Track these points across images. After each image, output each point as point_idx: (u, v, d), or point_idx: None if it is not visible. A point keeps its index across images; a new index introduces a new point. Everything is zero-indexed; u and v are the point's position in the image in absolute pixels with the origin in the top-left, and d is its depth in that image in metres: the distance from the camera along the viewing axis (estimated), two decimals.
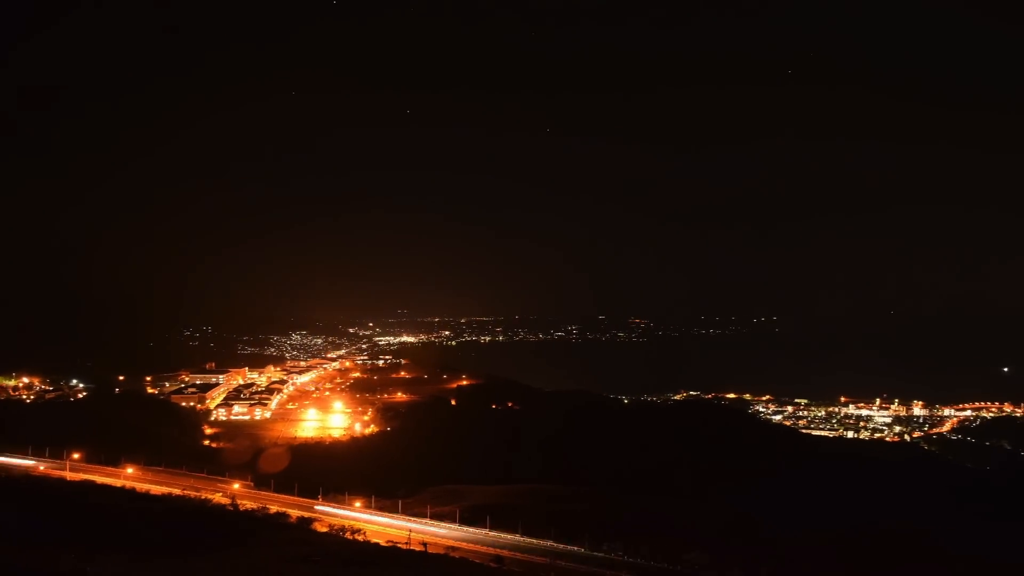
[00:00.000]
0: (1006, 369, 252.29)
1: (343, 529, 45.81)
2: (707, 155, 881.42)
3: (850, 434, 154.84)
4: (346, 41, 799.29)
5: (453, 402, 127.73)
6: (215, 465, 66.44)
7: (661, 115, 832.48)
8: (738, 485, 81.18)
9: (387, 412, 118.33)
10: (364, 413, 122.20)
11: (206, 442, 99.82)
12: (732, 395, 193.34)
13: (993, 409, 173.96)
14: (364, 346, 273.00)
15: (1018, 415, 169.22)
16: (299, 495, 54.63)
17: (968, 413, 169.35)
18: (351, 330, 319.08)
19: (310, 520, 47.95)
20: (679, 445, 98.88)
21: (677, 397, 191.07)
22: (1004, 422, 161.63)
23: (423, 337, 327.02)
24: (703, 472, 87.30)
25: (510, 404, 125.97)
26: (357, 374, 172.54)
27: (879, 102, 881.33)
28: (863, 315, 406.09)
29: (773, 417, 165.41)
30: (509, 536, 47.59)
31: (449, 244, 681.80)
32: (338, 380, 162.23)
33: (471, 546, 45.29)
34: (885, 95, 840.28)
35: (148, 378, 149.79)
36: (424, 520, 50.54)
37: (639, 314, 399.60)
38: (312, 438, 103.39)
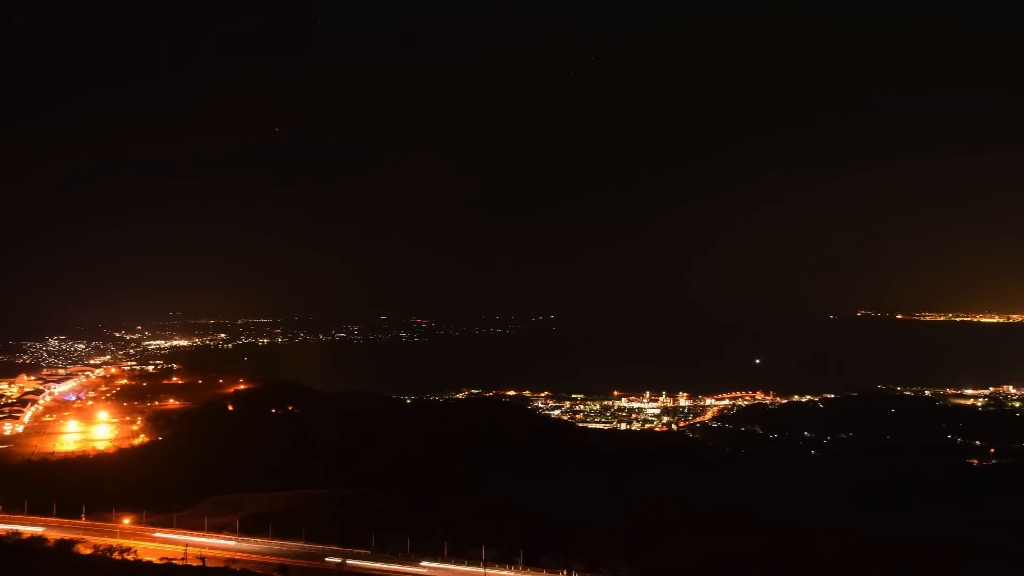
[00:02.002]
0: (758, 361, 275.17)
1: (110, 549, 42.83)
2: (476, 153, 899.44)
3: (623, 426, 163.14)
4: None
5: (230, 407, 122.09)
6: None
7: (440, 116, 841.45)
8: (519, 478, 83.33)
9: (159, 421, 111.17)
10: (133, 423, 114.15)
11: None
12: (512, 392, 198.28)
13: (747, 398, 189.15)
14: (132, 351, 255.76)
15: (768, 402, 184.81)
16: (59, 515, 50.48)
17: (726, 402, 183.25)
18: (118, 334, 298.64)
19: (72, 543, 44.42)
20: (461, 443, 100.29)
21: (459, 396, 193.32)
22: (756, 409, 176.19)
23: (197, 340, 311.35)
24: (484, 468, 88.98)
25: (291, 408, 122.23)
26: (125, 381, 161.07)
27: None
28: (635, 313, 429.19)
29: (552, 412, 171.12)
30: (293, 544, 46.33)
31: (225, 247, 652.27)
32: (103, 388, 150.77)
33: (253, 556, 43.73)
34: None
35: None
36: (202, 533, 48.21)
37: (421, 314, 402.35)
38: (74, 452, 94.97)
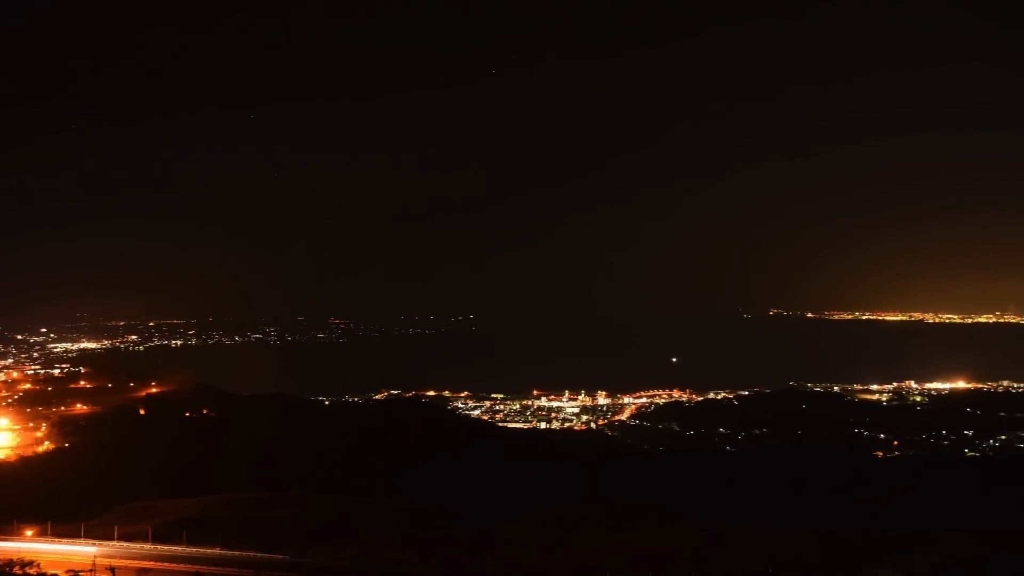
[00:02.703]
0: (675, 360, 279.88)
1: (10, 563, 40.95)
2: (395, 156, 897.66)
3: (543, 425, 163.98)
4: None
5: (142, 412, 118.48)
6: None
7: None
8: (438, 479, 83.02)
9: (65, 426, 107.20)
10: (37, 429, 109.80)
11: None
12: (432, 393, 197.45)
13: (664, 395, 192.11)
14: (36, 354, 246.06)
15: (684, 400, 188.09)
16: None
17: (644, 400, 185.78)
18: (19, 336, 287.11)
19: None
20: (380, 444, 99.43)
21: (379, 397, 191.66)
22: (673, 407, 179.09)
23: (107, 343, 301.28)
24: (404, 469, 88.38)
25: (206, 411, 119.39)
26: (28, 385, 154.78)
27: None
28: (554, 313, 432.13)
29: (472, 412, 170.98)
30: (209, 551, 45.01)
31: (135, 245, 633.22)
32: (4, 393, 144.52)
33: (166, 565, 42.34)
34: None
35: None
36: (112, 543, 46.50)
37: (339, 314, 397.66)
38: None
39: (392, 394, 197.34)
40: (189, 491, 65.93)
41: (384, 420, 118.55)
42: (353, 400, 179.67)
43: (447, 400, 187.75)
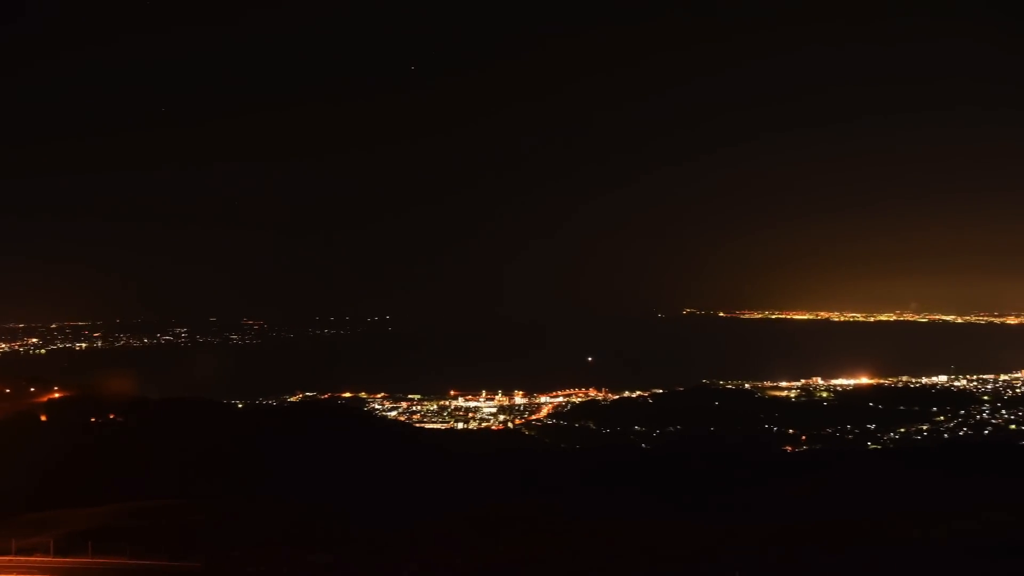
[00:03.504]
0: (590, 359, 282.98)
1: None
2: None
3: (460, 425, 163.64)
4: None
5: (43, 418, 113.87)
6: None
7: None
8: (351, 482, 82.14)
9: None
10: None
11: None
12: (348, 394, 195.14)
13: (581, 395, 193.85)
14: None
15: (600, 399, 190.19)
16: None
17: (561, 399, 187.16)
18: None
19: None
20: (293, 447, 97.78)
21: (293, 399, 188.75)
22: (589, 405, 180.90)
23: (5, 346, 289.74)
24: (317, 473, 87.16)
25: (113, 416, 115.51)
26: None
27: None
28: (469, 314, 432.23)
29: (389, 413, 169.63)
30: (116, 561, 43.49)
31: (43, 243, 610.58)
32: None
33: None
34: None
35: None
36: (8, 557, 44.46)
37: (253, 315, 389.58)
38: None
39: (307, 396, 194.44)
40: (95, 500, 63.62)
41: (299, 422, 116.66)
42: (267, 402, 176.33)
43: (364, 402, 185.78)
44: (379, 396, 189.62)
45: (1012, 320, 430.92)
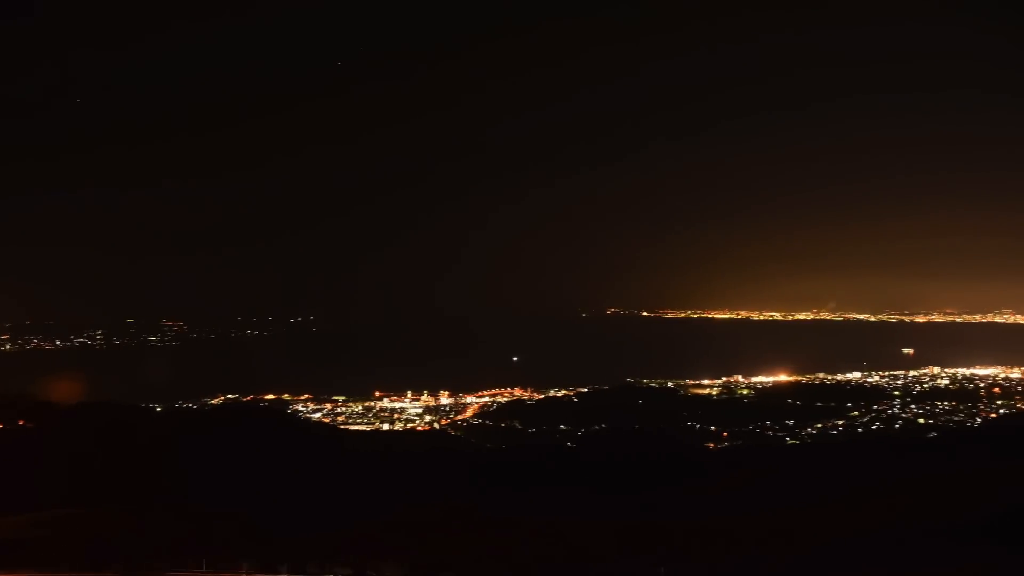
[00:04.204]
0: (516, 359, 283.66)
1: None
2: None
3: (386, 426, 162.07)
4: None
5: None
6: None
7: None
8: (277, 485, 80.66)
9: None
10: None
11: None
12: (271, 396, 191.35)
13: (506, 394, 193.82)
14: None
15: (526, 398, 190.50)
16: None
17: (487, 399, 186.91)
18: None
19: None
20: (214, 451, 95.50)
21: (215, 402, 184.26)
22: (515, 405, 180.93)
23: None
24: (240, 477, 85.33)
25: (22, 423, 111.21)
26: None
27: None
28: (396, 314, 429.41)
29: (313, 415, 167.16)
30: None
31: None
32: None
33: None
34: None
35: None
36: None
37: (172, 316, 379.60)
38: None
39: (229, 398, 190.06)
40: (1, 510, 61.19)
41: (219, 426, 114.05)
42: (187, 406, 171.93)
43: (287, 404, 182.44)
44: (303, 398, 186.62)
45: (920, 319, 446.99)
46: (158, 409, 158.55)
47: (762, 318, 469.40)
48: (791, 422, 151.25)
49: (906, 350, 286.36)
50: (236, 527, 57.19)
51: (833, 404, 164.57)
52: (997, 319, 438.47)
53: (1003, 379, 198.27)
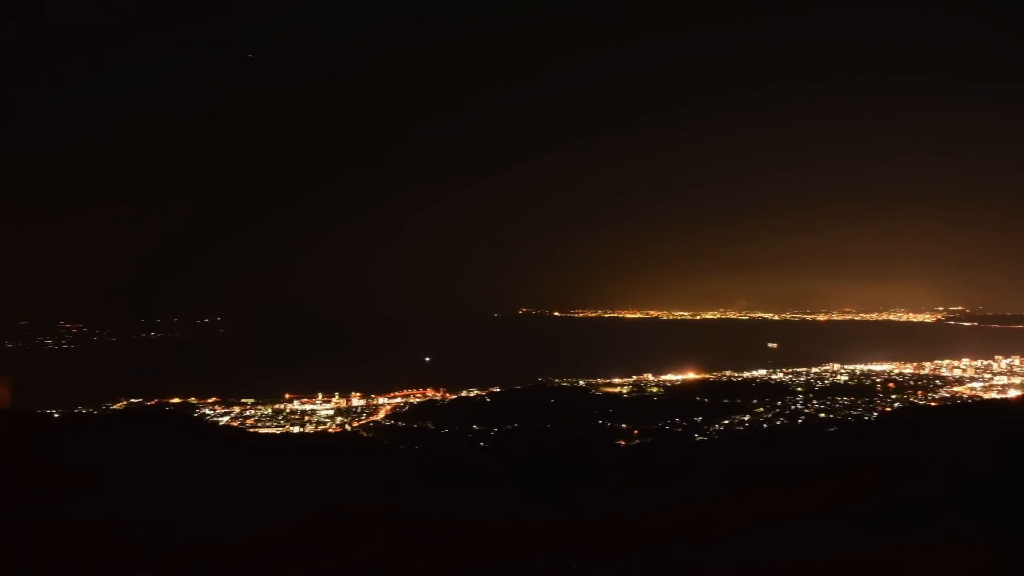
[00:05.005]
0: (428, 359, 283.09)
1: None
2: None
3: (296, 429, 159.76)
4: None
5: None
6: None
7: None
8: (186, 494, 78.30)
9: None
10: None
11: None
12: (177, 400, 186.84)
13: (419, 395, 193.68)
14: None
15: (439, 399, 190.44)
16: None
17: (399, 400, 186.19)
18: None
19: None
20: (117, 459, 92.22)
21: (117, 406, 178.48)
22: (428, 405, 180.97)
23: None
24: (144, 483, 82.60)
25: None
26: None
27: None
28: (309, 315, 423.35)
29: (221, 419, 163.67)
30: None
31: None
32: None
33: None
34: None
35: None
36: None
37: (69, 318, 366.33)
38: None
39: (132, 403, 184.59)
40: None
41: (121, 431, 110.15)
42: (87, 411, 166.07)
43: (193, 407, 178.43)
44: (210, 401, 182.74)
45: (822, 317, 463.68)
46: (55, 415, 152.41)
47: (671, 317, 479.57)
48: (699, 419, 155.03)
49: (771, 344, 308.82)
50: (129, 537, 55.34)
51: (740, 400, 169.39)
52: (891, 317, 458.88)
53: (897, 374, 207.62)
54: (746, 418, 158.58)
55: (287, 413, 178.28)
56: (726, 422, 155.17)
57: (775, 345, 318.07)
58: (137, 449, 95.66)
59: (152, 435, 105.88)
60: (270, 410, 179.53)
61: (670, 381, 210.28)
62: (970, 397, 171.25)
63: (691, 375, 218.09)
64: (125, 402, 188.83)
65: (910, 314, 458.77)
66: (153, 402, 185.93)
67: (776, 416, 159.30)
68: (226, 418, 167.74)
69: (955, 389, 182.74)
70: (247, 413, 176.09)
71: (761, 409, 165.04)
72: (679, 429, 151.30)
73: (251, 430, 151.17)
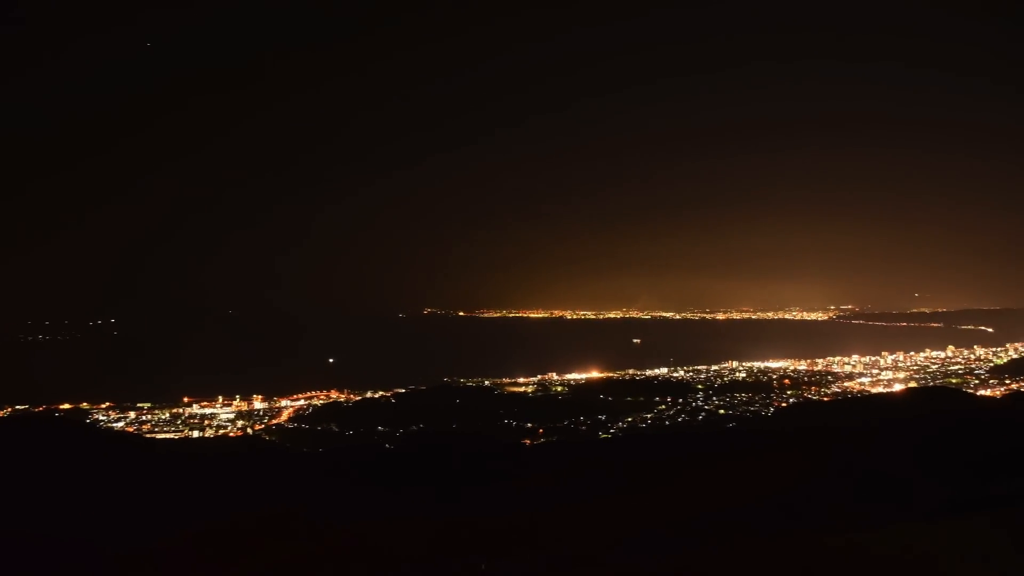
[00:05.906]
0: (331, 361, 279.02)
1: None
2: None
3: (196, 433, 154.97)
4: None
5: None
6: None
7: None
8: (69, 503, 75.49)
9: None
10: None
11: None
12: (67, 406, 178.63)
13: (323, 397, 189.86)
14: None
15: (343, 400, 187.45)
16: None
17: (302, 403, 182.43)
18: None
19: None
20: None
21: (1, 414, 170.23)
22: (331, 407, 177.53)
23: None
24: (29, 494, 79.30)
25: None
26: None
27: None
28: (206, 316, 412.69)
29: (115, 425, 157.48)
30: None
31: None
32: None
33: None
34: None
35: None
36: None
37: None
38: None
39: (17, 409, 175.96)
40: None
41: (7, 439, 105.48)
42: None
43: (86, 413, 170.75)
44: (104, 406, 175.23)
45: (721, 316, 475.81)
46: None
47: (575, 316, 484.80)
48: (603, 417, 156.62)
49: (635, 340, 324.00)
50: (15, 550, 53.08)
51: (642, 399, 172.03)
52: (787, 316, 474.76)
53: (792, 371, 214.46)
54: (649, 416, 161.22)
55: (186, 417, 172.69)
56: (629, 420, 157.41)
57: (639, 341, 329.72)
58: (23, 458, 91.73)
59: (40, 443, 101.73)
60: (168, 415, 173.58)
61: (575, 380, 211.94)
62: (859, 392, 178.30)
63: (595, 373, 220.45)
64: (9, 408, 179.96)
65: (804, 313, 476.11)
66: (40, 408, 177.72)
67: (677, 414, 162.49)
68: (121, 423, 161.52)
69: (846, 384, 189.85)
70: (143, 418, 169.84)
71: (663, 407, 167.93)
72: (583, 428, 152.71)
73: (148, 436, 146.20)
